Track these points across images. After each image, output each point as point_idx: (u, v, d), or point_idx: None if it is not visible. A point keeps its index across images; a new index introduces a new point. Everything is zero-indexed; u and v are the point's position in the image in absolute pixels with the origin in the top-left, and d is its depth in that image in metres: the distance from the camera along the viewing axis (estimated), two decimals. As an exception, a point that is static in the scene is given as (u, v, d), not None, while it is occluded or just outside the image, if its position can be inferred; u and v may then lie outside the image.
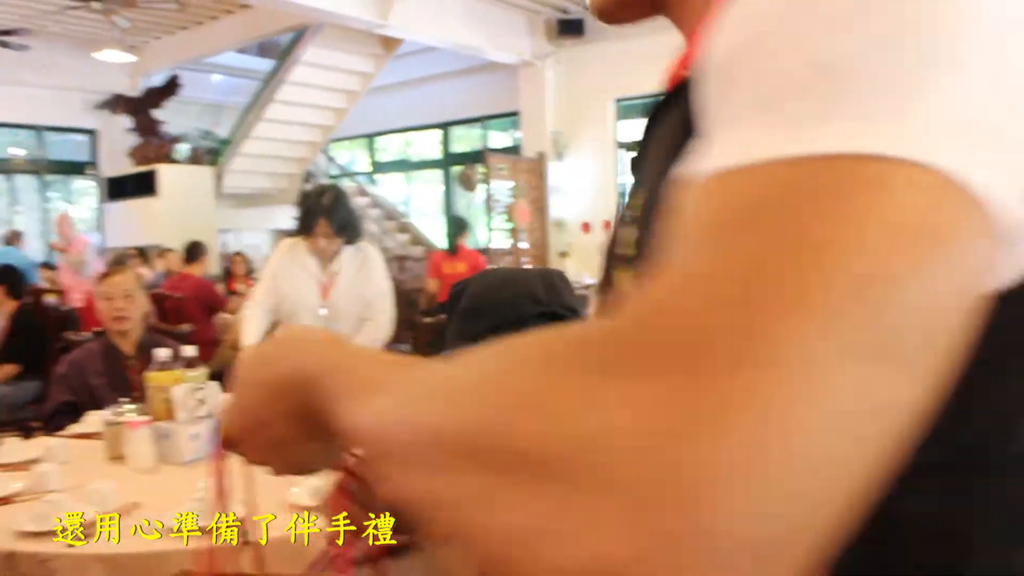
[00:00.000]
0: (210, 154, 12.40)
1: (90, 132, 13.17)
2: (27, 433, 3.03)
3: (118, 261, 7.99)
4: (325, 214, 3.66)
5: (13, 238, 10.12)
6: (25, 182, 13.48)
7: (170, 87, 11.84)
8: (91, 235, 13.20)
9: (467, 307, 1.25)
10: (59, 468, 2.15)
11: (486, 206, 10.21)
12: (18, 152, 13.18)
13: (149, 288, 7.56)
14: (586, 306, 1.27)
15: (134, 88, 12.13)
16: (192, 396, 2.39)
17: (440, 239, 13.38)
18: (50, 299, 6.82)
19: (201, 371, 2.52)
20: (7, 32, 9.70)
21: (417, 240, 12.97)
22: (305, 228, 3.66)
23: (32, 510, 1.79)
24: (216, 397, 2.44)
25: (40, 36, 10.49)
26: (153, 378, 2.47)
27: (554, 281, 1.24)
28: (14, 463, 2.35)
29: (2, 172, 13.17)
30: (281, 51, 11.20)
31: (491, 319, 1.20)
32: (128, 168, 12.17)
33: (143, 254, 10.14)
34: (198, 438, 2.32)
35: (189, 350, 2.57)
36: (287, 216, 12.91)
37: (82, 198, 14.17)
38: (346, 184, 13.94)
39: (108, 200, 12.74)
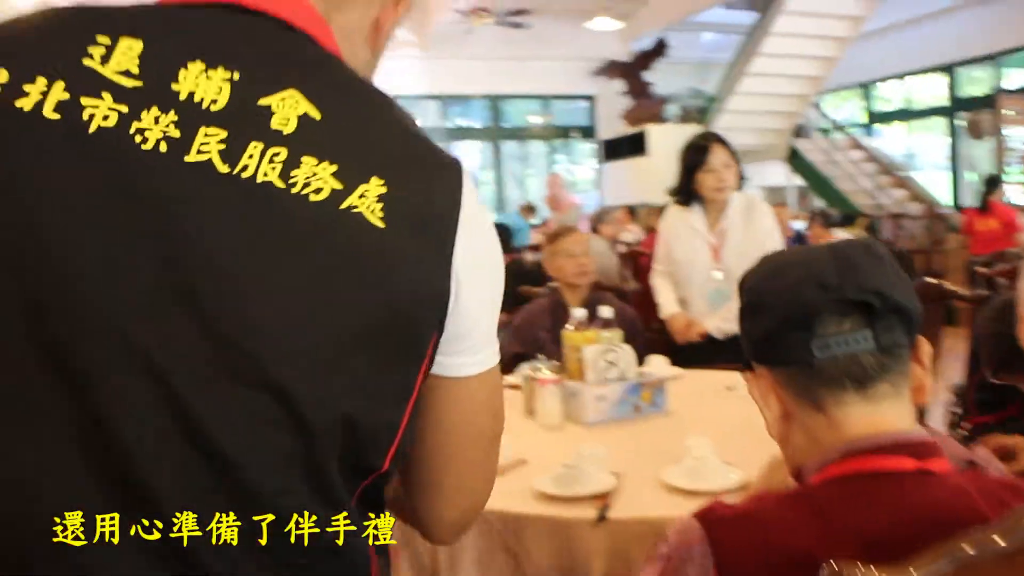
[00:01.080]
0: (699, 112, 12.54)
1: (589, 98, 14.10)
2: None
3: (599, 220, 8.44)
4: (716, 139, 3.43)
5: (525, 210, 11.16)
6: (536, 147, 14.90)
7: (658, 49, 12.17)
8: (591, 194, 14.22)
9: (745, 303, 1.03)
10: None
11: (999, 156, 9.04)
12: (536, 120, 14.56)
13: (631, 246, 7.91)
14: (907, 288, 0.97)
15: (627, 53, 12.64)
16: (603, 357, 2.40)
17: (944, 195, 12.18)
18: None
19: (615, 332, 2.52)
20: (515, 13, 10.64)
21: (916, 196, 11.89)
22: (695, 166, 3.43)
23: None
24: (628, 360, 2.43)
25: (541, 13, 11.35)
26: (568, 337, 2.52)
27: (854, 258, 0.96)
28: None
29: (520, 139, 14.69)
30: (763, 2, 10.89)
31: (772, 315, 0.97)
32: (622, 130, 12.80)
33: (633, 212, 10.60)
34: (604, 400, 2.33)
35: (606, 311, 2.59)
36: (777, 172, 12.74)
37: (584, 159, 15.27)
38: (838, 138, 13.25)
39: (605, 161, 13.55)
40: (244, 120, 0.73)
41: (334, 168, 0.74)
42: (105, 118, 0.71)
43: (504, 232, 6.59)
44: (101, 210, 0.69)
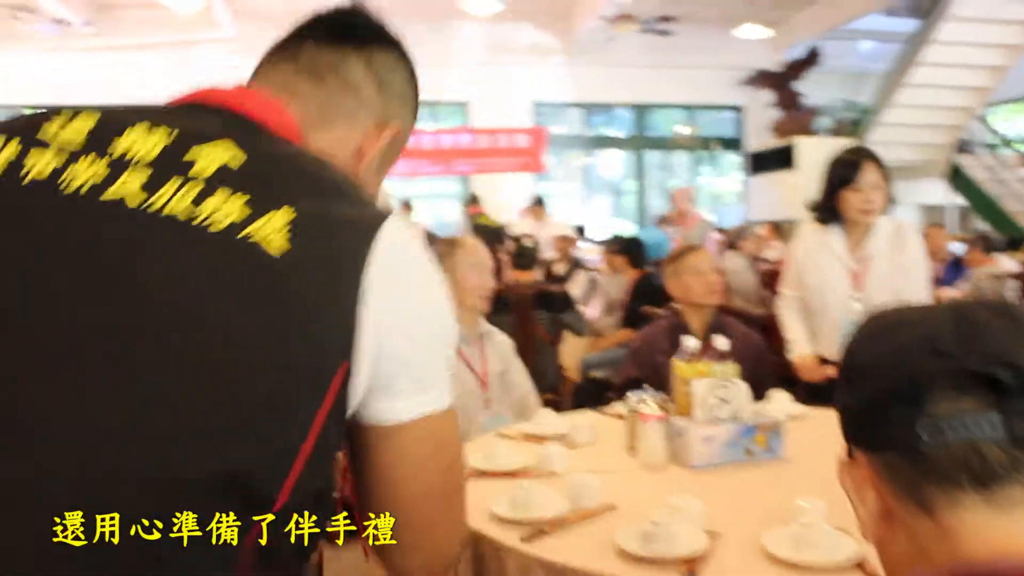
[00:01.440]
0: (852, 125, 11.96)
1: (736, 108, 13.67)
2: (601, 404, 3.11)
3: (738, 236, 8.10)
4: (869, 156, 3.11)
5: (664, 223, 10.89)
6: (681, 157, 14.57)
7: (810, 58, 11.67)
8: (736, 208, 13.78)
9: (842, 368, 0.82)
10: (564, 451, 2.13)
11: None
12: (683, 130, 14.23)
13: (774, 264, 7.55)
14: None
15: (778, 62, 12.18)
16: (714, 394, 2.19)
17: None
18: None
19: (730, 366, 2.31)
20: (660, 20, 10.42)
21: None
22: (841, 182, 3.11)
23: (510, 492, 1.77)
24: (743, 398, 2.22)
25: (686, 21, 11.06)
26: (677, 368, 2.33)
27: (981, 320, 0.73)
28: (539, 435, 2.40)
29: (663, 148, 14.41)
30: (926, 8, 10.25)
31: (872, 383, 0.76)
32: (770, 142, 12.35)
33: (778, 228, 10.18)
34: (712, 442, 2.12)
35: (721, 342, 2.37)
36: (936, 190, 11.99)
37: (730, 172, 14.83)
38: (1007, 154, 12.38)
39: (752, 174, 13.11)
40: (170, 162, 0.81)
41: (246, 198, 0.79)
42: (41, 171, 0.80)
43: (636, 247, 6.37)
44: (23, 249, 0.77)
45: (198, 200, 0.78)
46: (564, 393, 5.37)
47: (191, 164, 0.81)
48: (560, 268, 7.84)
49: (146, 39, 10.58)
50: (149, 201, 0.78)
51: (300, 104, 0.95)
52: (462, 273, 2.97)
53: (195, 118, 0.88)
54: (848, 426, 0.81)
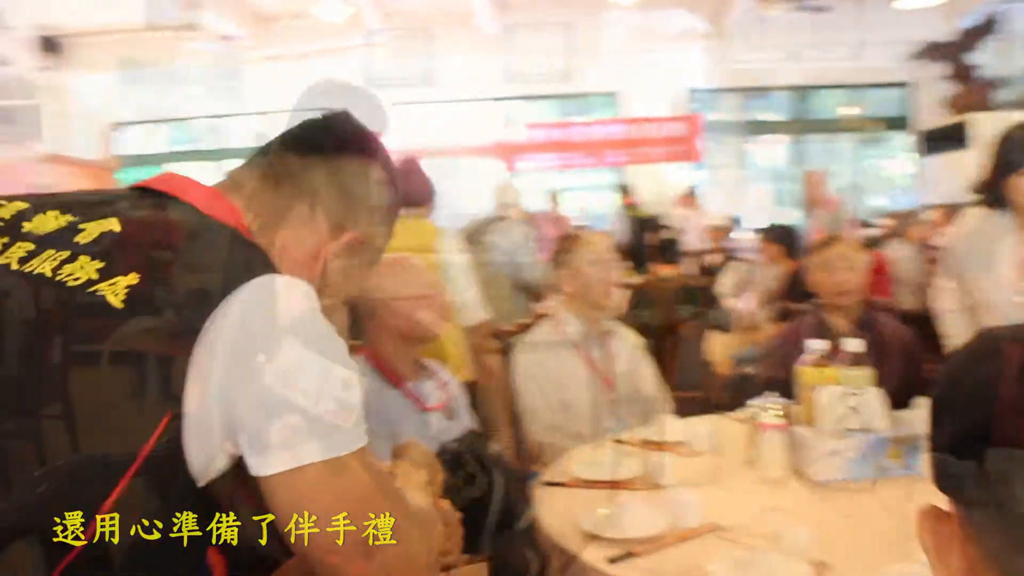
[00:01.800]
0: (1040, 96, 11.04)
1: (903, 85, 12.90)
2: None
3: (905, 221, 7.61)
4: None
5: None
6: (845, 141, 13.88)
7: (987, 26, 10.82)
8: (910, 192, 13.01)
9: (934, 401, 0.64)
10: (675, 461, 1.99)
11: None
12: (843, 112, 13.57)
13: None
14: None
15: (950, 32, 11.38)
16: (842, 402, 2.01)
17: None
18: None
19: (863, 372, 2.11)
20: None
21: None
22: (1012, 166, 2.76)
23: (606, 507, 1.67)
24: (875, 407, 2.02)
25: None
26: (803, 373, 2.15)
27: None
28: (656, 441, 2.28)
29: (822, 132, 13.77)
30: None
31: (959, 419, 0.60)
32: (944, 119, 11.58)
33: (954, 213, 9.53)
34: (837, 456, 1.94)
35: (854, 344, 2.17)
36: None
37: (900, 154, 14.02)
38: None
39: (924, 155, 12.35)
40: (55, 238, 0.94)
41: (101, 265, 0.90)
42: None
43: (791, 236, 6.08)
44: None
45: (62, 264, 0.90)
46: (712, 390, 5.18)
47: (72, 237, 0.93)
48: (714, 260, 7.59)
49: (303, 48, 10.96)
50: (29, 265, 0.91)
51: (245, 199, 1.01)
52: (581, 269, 2.87)
53: (121, 199, 0.99)
54: (936, 471, 0.63)
